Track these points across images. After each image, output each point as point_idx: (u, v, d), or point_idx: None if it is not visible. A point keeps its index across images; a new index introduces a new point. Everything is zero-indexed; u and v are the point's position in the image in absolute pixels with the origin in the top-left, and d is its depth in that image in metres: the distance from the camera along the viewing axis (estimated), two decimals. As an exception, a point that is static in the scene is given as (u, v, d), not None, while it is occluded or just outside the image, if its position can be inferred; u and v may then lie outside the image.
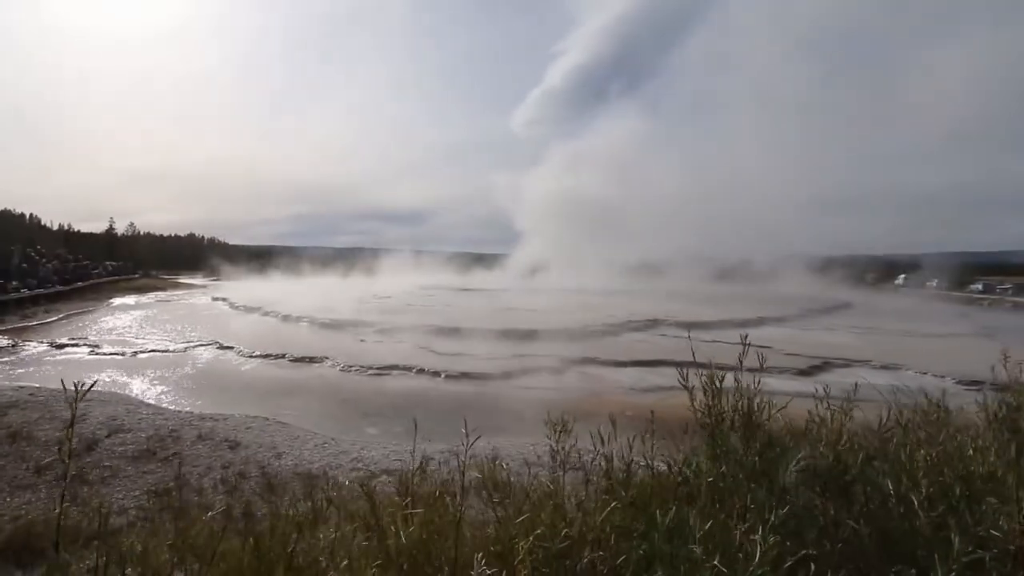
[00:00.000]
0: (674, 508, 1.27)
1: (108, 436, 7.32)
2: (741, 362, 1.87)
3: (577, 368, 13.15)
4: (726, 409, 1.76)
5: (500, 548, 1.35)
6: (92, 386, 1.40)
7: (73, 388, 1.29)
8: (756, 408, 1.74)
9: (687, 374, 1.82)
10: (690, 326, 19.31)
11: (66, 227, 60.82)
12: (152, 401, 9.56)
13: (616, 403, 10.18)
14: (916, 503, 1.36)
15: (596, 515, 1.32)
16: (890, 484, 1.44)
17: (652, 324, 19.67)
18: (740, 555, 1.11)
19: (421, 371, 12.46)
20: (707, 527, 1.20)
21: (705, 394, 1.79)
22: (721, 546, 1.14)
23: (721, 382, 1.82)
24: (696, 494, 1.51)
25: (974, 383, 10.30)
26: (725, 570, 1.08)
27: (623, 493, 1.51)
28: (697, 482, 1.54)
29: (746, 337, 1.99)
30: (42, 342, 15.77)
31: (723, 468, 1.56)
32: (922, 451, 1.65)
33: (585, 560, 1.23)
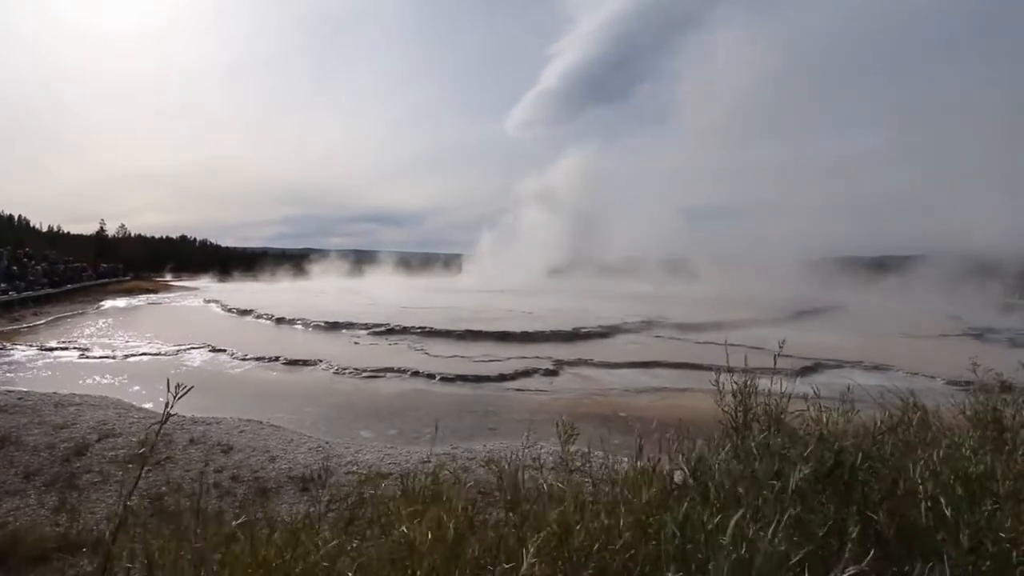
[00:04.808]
0: (684, 506, 1.29)
1: (99, 440, 7.24)
2: (774, 362, 1.91)
3: (571, 369, 13.18)
4: (754, 410, 1.79)
5: (509, 549, 1.36)
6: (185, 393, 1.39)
7: (172, 392, 1.29)
8: (784, 410, 1.76)
9: (718, 377, 1.86)
10: (683, 327, 19.44)
11: (55, 229, 60.17)
12: (143, 405, 9.46)
13: (611, 404, 10.22)
14: (918, 503, 1.38)
15: (604, 516, 1.33)
16: (900, 484, 1.46)
17: (646, 326, 19.75)
18: (750, 553, 1.13)
19: (416, 373, 12.42)
20: (716, 523, 1.21)
21: (734, 396, 1.82)
22: (735, 543, 1.15)
23: (751, 383, 1.85)
24: (706, 493, 1.52)
25: (963, 384, 10.42)
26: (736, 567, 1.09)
27: (628, 494, 1.52)
28: (706, 481, 1.55)
29: (783, 342, 2.05)
30: (31, 345, 15.55)
31: (742, 468, 1.58)
32: (921, 452, 1.67)
33: (596, 560, 1.24)
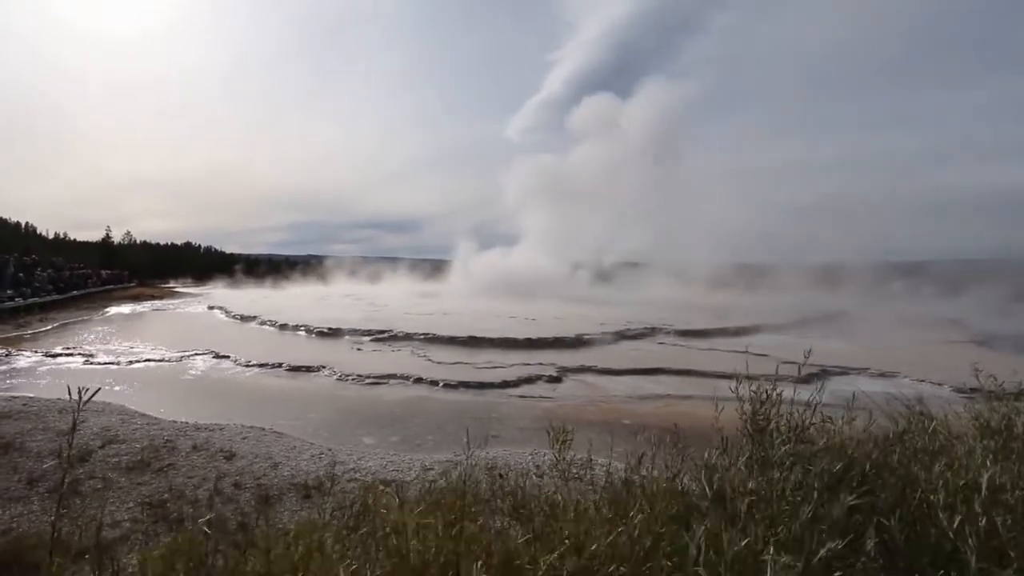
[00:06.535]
0: (690, 521, 1.27)
1: (102, 447, 7.25)
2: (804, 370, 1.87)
3: (574, 376, 13.12)
4: (773, 421, 1.75)
5: (519, 563, 1.34)
6: (92, 395, 1.40)
7: (76, 395, 1.30)
8: (806, 422, 1.72)
9: (738, 384, 1.81)
10: (686, 334, 19.38)
11: (61, 235, 60.61)
12: (147, 411, 9.47)
13: (615, 411, 10.17)
14: (928, 514, 1.35)
15: (614, 529, 1.31)
16: (908, 494, 1.43)
17: (649, 332, 19.69)
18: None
19: (419, 380, 12.40)
20: (711, 539, 1.20)
21: (753, 404, 1.77)
22: (745, 562, 1.14)
23: (773, 393, 1.80)
24: (724, 507, 1.49)
25: (970, 391, 10.31)
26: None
27: (643, 505, 1.50)
28: (724, 494, 1.52)
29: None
30: (36, 351, 15.63)
31: (763, 481, 1.54)
32: (929, 461, 1.65)
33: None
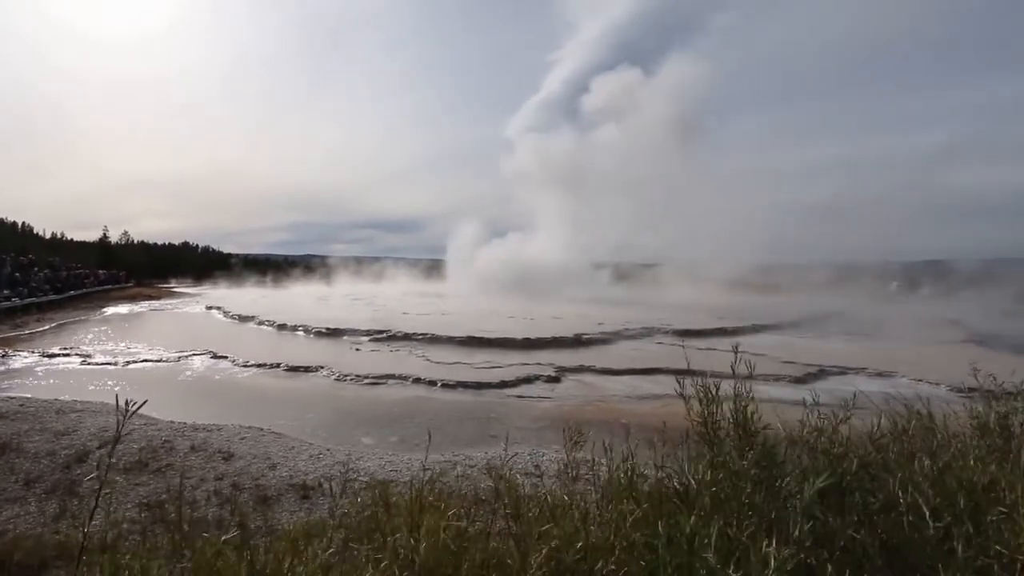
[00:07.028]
0: (678, 517, 1.27)
1: (99, 447, 7.23)
2: (734, 370, 1.89)
3: (573, 376, 13.13)
4: (721, 418, 1.76)
5: (511, 561, 1.34)
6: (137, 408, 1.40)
7: (123, 405, 1.30)
8: (750, 416, 1.74)
9: (683, 383, 1.82)
10: (685, 334, 19.39)
11: (59, 235, 60.42)
12: (144, 411, 9.45)
13: (613, 411, 10.17)
14: (921, 513, 1.36)
15: (609, 526, 1.31)
16: (900, 493, 1.43)
17: (647, 332, 19.70)
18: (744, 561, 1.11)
19: (417, 380, 12.39)
20: (711, 535, 1.20)
21: (701, 403, 1.79)
22: (724, 553, 1.14)
23: (717, 390, 1.82)
24: (693, 502, 1.51)
25: (967, 391, 10.33)
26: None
27: (633, 503, 1.51)
28: (696, 490, 1.54)
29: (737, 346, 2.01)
30: (33, 351, 15.58)
31: (720, 476, 1.56)
32: (924, 460, 1.65)
33: (599, 571, 1.22)
